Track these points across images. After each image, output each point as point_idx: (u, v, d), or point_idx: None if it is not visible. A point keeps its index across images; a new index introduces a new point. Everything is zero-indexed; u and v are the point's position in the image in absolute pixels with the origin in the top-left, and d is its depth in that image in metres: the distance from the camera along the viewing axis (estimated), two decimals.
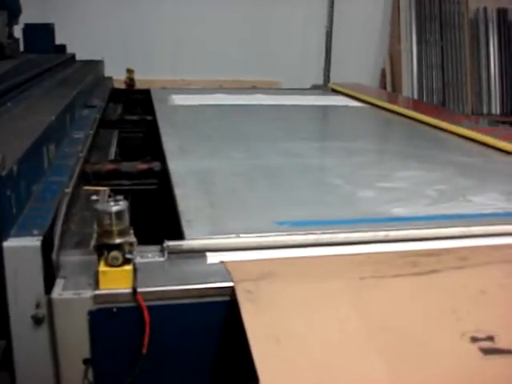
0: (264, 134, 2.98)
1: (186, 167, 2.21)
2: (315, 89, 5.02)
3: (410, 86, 7.29)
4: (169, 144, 2.55)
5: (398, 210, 1.83)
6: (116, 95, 4.25)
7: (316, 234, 1.59)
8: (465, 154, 2.68)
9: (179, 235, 1.58)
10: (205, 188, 2.00)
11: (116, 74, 4.79)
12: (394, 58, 7.47)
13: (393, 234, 1.64)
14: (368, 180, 2.16)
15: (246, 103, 3.95)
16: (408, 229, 1.66)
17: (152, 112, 3.50)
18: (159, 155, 2.43)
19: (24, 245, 1.32)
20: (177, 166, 2.19)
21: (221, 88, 5.18)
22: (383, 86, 7.46)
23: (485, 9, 7.55)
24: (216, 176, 2.16)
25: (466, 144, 2.85)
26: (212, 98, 4.10)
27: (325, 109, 4.09)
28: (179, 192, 1.91)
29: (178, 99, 3.96)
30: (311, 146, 2.80)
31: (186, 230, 1.59)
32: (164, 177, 2.19)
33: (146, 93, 4.33)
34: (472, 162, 2.54)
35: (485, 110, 7.50)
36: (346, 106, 4.00)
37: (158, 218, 2.16)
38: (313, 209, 1.86)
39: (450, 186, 2.10)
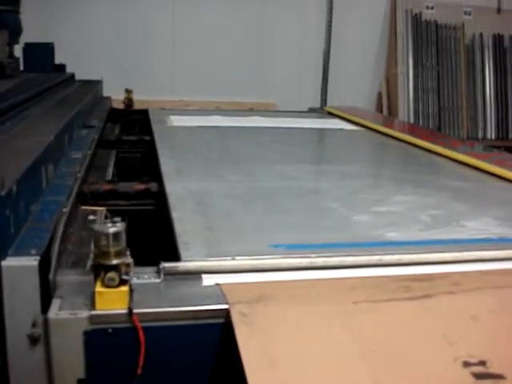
0: (261, 157, 3.00)
1: (183, 189, 2.22)
2: (312, 112, 5.05)
3: (406, 109, 7.35)
4: (166, 166, 2.56)
5: (392, 235, 1.85)
6: (114, 115, 4.27)
7: (310, 257, 1.60)
8: (459, 178, 2.70)
9: (176, 257, 1.59)
10: (202, 210, 2.01)
11: (114, 93, 4.81)
12: (390, 82, 7.53)
13: (387, 258, 1.66)
14: (363, 204, 2.18)
15: (243, 125, 3.98)
16: (401, 253, 1.68)
17: (150, 132, 3.52)
18: (157, 176, 2.45)
19: (22, 264, 1.33)
20: (174, 188, 2.21)
21: (218, 109, 5.22)
22: (379, 109, 7.52)
23: (481, 34, 7.63)
24: (213, 198, 2.17)
25: (461, 169, 2.87)
26: (210, 119, 4.12)
27: (321, 132, 4.11)
28: (176, 214, 1.92)
29: (176, 120, 3.98)
30: (307, 169, 2.82)
31: (183, 252, 1.60)
32: (161, 198, 2.21)
33: (144, 113, 4.35)
34: (466, 187, 2.56)
35: (480, 135, 7.56)
36: (342, 129, 4.03)
37: (154, 238, 2.16)
38: (308, 232, 1.87)
39: (443, 211, 2.12)
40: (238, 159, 2.93)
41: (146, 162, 3.26)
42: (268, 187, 2.39)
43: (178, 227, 1.80)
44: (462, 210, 2.15)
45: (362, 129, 4.00)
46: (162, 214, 2.08)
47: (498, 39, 7.65)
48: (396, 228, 1.91)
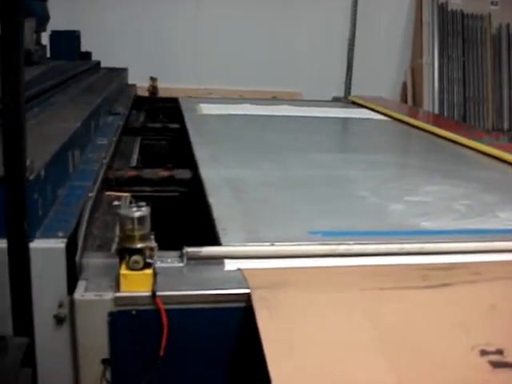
0: (292, 145, 3.03)
1: (218, 176, 2.25)
2: (336, 101, 5.04)
3: (431, 100, 7.29)
4: (200, 153, 2.59)
5: (427, 224, 1.86)
6: (139, 102, 4.31)
7: (333, 244, 1.62)
8: (487, 169, 2.70)
9: (214, 242, 1.62)
10: (238, 197, 2.05)
11: (139, 81, 4.85)
12: (415, 72, 7.47)
13: (408, 247, 1.67)
14: (395, 193, 2.20)
15: (273, 114, 3.99)
16: (423, 242, 1.69)
17: (180, 120, 3.55)
18: (190, 163, 2.48)
19: (49, 246, 1.37)
20: (209, 175, 2.23)
21: (242, 97, 5.24)
22: (404, 99, 7.47)
23: (507, 25, 7.53)
24: (248, 185, 2.20)
25: (487, 160, 2.86)
26: (239, 107, 4.14)
27: (349, 121, 4.12)
28: (213, 200, 1.94)
29: (206, 108, 4.00)
30: (338, 158, 2.84)
31: (222, 237, 1.63)
32: (195, 184, 2.24)
33: (171, 101, 4.38)
34: (495, 177, 2.56)
35: (506, 126, 7.48)
36: (369, 119, 4.03)
37: (178, 224, 2.20)
38: (343, 220, 1.90)
39: (476, 202, 2.12)
40: (270, 147, 2.95)
41: (175, 148, 3.29)
42: (300, 175, 2.41)
43: (216, 213, 1.83)
44: (493, 201, 2.15)
45: (389, 119, 4.00)
46: (195, 200, 2.11)
47: None
48: (430, 217, 1.92)
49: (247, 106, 4.22)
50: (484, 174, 2.61)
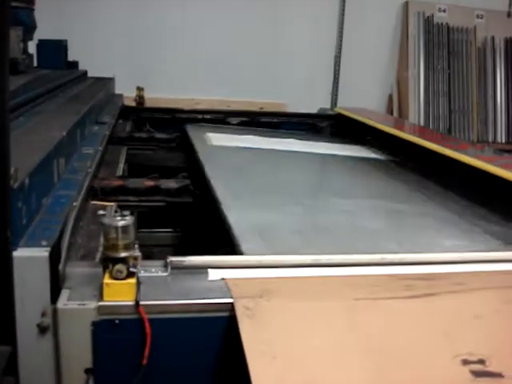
0: (309, 186, 3.00)
1: (246, 221, 2.17)
2: (322, 112, 5.07)
3: (416, 112, 7.34)
4: (220, 190, 2.48)
5: None
6: (126, 112, 4.31)
7: (314, 254, 1.63)
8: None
9: None
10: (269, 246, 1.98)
11: (126, 91, 4.85)
12: (401, 84, 7.53)
13: (389, 257, 1.68)
14: (425, 246, 2.09)
15: (283, 149, 3.88)
16: (404, 253, 1.70)
17: (189, 148, 3.53)
18: (207, 197, 2.45)
19: (32, 255, 1.37)
20: (236, 219, 2.13)
21: (229, 108, 5.25)
22: (390, 111, 7.51)
23: (492, 38, 7.61)
24: (277, 233, 2.12)
25: None
26: (248, 139, 4.04)
27: (360, 161, 3.86)
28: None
29: (215, 139, 3.87)
30: (363, 205, 2.65)
31: None
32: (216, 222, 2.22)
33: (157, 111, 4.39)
34: None
35: (490, 138, 7.54)
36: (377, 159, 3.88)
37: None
38: None
39: None
40: (288, 187, 2.85)
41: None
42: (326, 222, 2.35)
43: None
44: None
45: (398, 159, 3.85)
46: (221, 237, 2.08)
47: (509, 43, 7.64)
48: None
49: (253, 137, 4.12)
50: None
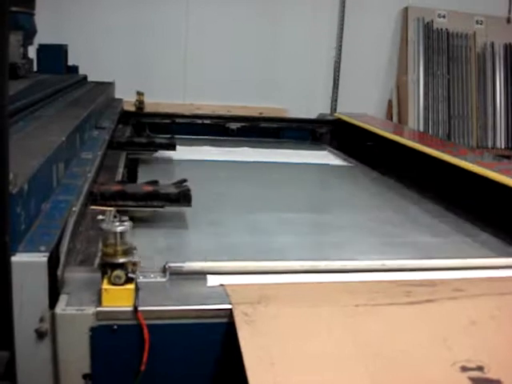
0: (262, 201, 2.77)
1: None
2: (322, 118, 5.07)
3: (416, 117, 7.34)
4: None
5: None
6: (126, 117, 4.31)
7: (313, 260, 1.63)
8: None
9: None
10: None
11: (126, 96, 4.85)
12: (400, 90, 7.53)
13: (389, 263, 1.68)
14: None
15: (237, 160, 3.70)
16: (404, 259, 1.70)
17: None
18: None
19: (31, 260, 1.36)
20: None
21: (228, 112, 5.25)
22: (389, 116, 7.52)
23: (492, 44, 7.62)
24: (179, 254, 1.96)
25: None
26: (200, 150, 3.88)
27: (319, 169, 3.78)
28: None
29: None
30: (285, 219, 2.47)
31: None
32: None
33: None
34: None
35: (490, 144, 7.55)
36: (337, 166, 3.77)
37: None
38: None
39: None
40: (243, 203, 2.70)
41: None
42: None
43: None
44: None
45: (352, 164, 3.80)
46: None
47: (509, 48, 7.65)
48: None
49: (208, 148, 3.99)
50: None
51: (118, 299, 1.35)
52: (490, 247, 2.17)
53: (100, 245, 1.46)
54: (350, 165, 3.81)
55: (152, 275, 1.52)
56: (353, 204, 2.84)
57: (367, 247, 2.11)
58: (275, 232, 2.27)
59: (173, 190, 2.32)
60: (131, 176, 3.02)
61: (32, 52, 4.47)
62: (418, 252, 2.04)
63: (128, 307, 1.35)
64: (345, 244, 2.15)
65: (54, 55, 4.75)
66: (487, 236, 2.31)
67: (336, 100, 7.31)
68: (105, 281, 1.36)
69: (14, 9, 3.71)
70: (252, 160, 3.75)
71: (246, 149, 4.10)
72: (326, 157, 4.12)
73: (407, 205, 2.85)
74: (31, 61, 4.32)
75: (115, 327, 1.35)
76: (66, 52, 4.87)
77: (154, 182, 2.40)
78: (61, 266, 1.42)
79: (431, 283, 1.62)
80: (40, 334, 1.36)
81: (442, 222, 2.53)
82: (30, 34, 4.16)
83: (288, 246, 2.09)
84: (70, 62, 4.97)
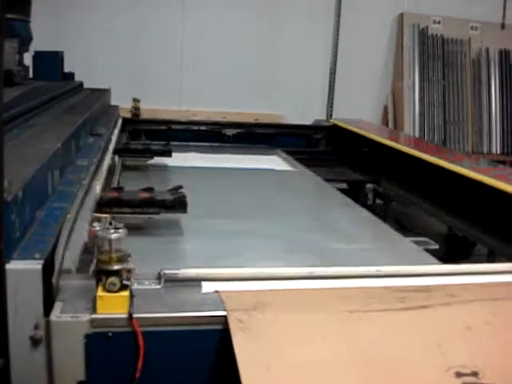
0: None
1: None
2: (317, 124, 5.08)
3: (411, 123, 7.36)
4: None
5: None
6: (122, 124, 4.31)
7: (309, 267, 1.63)
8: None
9: None
10: None
11: (122, 102, 4.85)
12: (396, 95, 7.55)
13: (384, 269, 1.68)
14: None
15: (181, 165, 3.62)
16: (399, 265, 1.70)
17: None
18: None
19: (25, 268, 1.36)
20: None
21: (225, 119, 5.26)
22: (385, 122, 7.53)
23: (487, 49, 7.65)
24: None
25: None
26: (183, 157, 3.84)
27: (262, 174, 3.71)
28: None
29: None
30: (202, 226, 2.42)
31: None
32: None
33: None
34: None
35: (485, 149, 7.56)
36: (282, 171, 3.75)
37: None
38: None
39: None
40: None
41: None
42: None
43: None
44: None
45: (296, 169, 3.77)
46: None
47: (504, 54, 7.68)
48: None
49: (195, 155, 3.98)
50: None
51: (112, 306, 1.35)
52: (407, 254, 2.20)
53: (95, 252, 1.45)
54: (294, 170, 3.77)
55: (147, 282, 1.52)
56: (275, 209, 2.79)
57: (266, 254, 2.09)
58: (183, 239, 2.24)
59: (168, 197, 2.33)
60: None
61: (28, 59, 4.47)
62: (320, 259, 2.02)
63: (123, 314, 1.35)
64: (244, 250, 2.12)
65: (50, 62, 4.74)
66: (408, 242, 2.34)
67: (332, 106, 7.32)
68: (99, 288, 1.36)
69: (9, 16, 3.71)
70: (195, 165, 3.70)
71: (192, 154, 4.08)
72: (273, 161, 4.05)
73: (338, 212, 2.81)
74: (27, 68, 4.32)
75: (110, 334, 1.35)
76: (62, 59, 4.87)
77: (150, 189, 2.40)
78: (55, 274, 1.42)
79: (425, 289, 1.62)
80: (35, 341, 1.35)
81: (368, 229, 2.54)
82: (25, 41, 4.16)
83: (189, 252, 2.10)
84: (66, 69, 4.97)
